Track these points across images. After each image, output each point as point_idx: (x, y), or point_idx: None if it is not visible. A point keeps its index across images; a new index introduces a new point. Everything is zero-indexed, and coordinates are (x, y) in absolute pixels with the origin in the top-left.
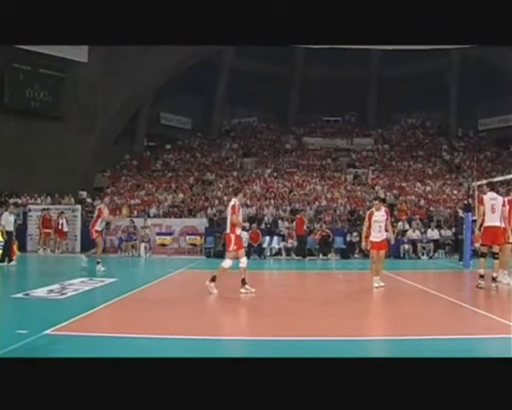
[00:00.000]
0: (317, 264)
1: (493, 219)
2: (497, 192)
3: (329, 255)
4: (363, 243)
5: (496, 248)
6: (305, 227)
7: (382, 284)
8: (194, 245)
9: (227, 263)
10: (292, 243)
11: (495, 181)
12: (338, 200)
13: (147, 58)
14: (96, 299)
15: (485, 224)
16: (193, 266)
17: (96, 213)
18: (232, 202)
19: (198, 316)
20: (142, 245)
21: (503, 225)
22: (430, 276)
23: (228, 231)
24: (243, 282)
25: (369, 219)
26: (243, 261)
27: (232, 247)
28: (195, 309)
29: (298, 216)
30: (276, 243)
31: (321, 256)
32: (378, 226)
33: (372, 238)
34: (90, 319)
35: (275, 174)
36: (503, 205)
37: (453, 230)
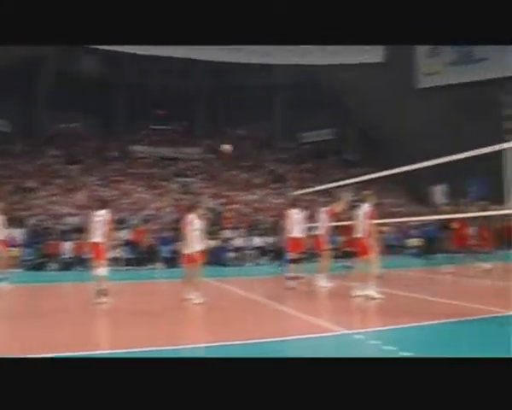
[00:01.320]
0: (141, 274)
1: (297, 231)
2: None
3: (156, 264)
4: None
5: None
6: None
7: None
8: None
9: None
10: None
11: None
12: (165, 209)
13: None
14: None
15: (290, 235)
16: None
17: None
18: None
19: None
20: None
21: (319, 233)
22: (253, 282)
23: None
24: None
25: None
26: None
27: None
28: None
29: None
30: None
31: (147, 266)
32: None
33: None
34: None
35: (101, 182)
36: (324, 214)
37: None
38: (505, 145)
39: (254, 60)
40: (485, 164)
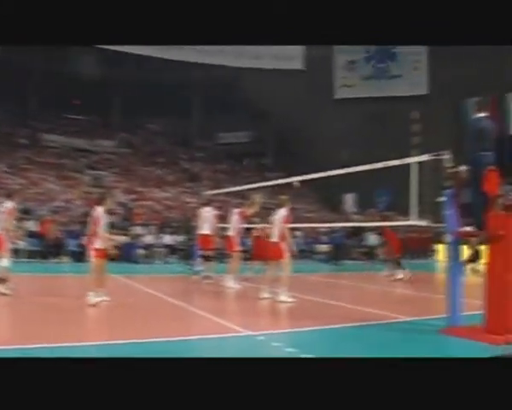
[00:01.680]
0: (49, 267)
1: (207, 228)
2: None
3: (62, 258)
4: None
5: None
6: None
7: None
8: None
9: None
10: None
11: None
12: (75, 201)
13: None
14: None
15: (201, 231)
16: None
17: None
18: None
19: None
20: None
21: (231, 234)
22: (162, 280)
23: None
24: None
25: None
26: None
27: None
28: None
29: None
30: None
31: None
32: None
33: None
34: None
35: (9, 170)
36: (236, 215)
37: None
38: (410, 160)
39: (175, 57)
40: (394, 176)
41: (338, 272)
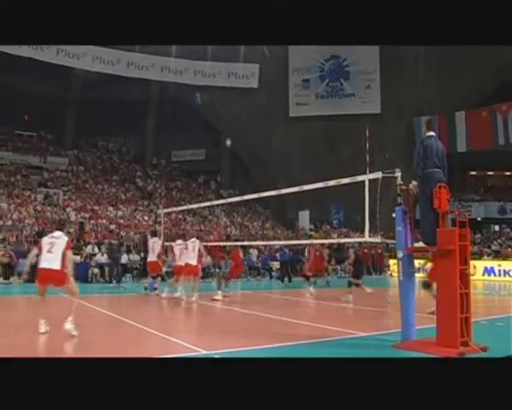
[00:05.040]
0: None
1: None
2: (185, 219)
3: (11, 279)
4: None
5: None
6: None
7: None
8: None
9: None
10: None
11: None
12: (26, 220)
13: None
14: None
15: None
16: None
17: None
18: None
19: None
20: None
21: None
22: (116, 300)
23: None
24: None
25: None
26: None
27: None
28: None
29: None
30: None
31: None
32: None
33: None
34: None
35: None
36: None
37: (142, 254)
38: (363, 177)
39: (130, 74)
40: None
41: (287, 289)
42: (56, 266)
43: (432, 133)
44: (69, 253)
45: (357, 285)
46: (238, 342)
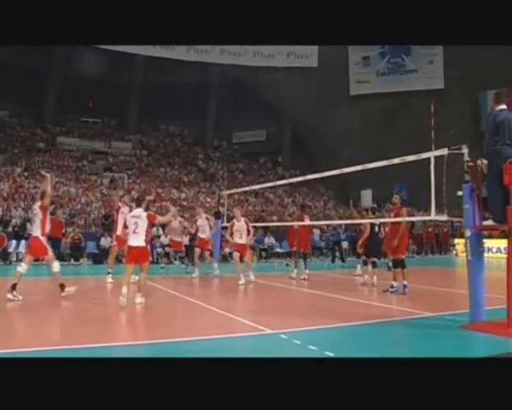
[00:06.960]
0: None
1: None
2: (247, 200)
3: (81, 260)
4: None
5: None
6: (63, 231)
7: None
8: None
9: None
10: None
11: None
12: (93, 203)
13: None
14: None
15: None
16: None
17: None
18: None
19: None
20: None
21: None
22: (182, 280)
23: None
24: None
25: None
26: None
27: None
28: None
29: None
30: (23, 248)
31: (72, 261)
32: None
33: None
34: None
35: (26, 174)
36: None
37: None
38: (428, 154)
39: (190, 57)
40: (411, 171)
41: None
42: (142, 243)
43: (503, 106)
44: (156, 220)
45: (374, 264)
46: (304, 322)
